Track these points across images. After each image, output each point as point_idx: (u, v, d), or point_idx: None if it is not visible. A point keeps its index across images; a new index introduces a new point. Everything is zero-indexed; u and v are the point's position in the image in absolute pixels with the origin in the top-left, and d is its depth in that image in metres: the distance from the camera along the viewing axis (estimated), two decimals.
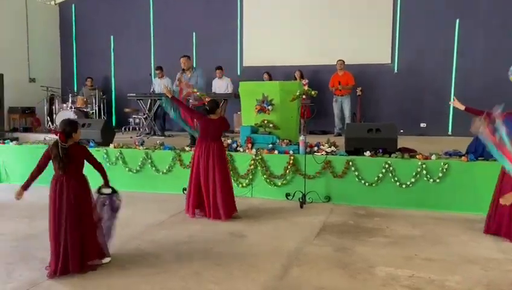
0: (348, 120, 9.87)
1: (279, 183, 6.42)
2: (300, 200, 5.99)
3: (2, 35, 11.58)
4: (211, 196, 5.24)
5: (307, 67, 10.88)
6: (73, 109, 10.80)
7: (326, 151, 6.36)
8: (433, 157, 5.88)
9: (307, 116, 10.48)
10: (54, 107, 11.61)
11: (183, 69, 7.81)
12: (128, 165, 7.16)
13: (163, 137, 9.83)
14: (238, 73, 11.71)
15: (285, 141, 6.73)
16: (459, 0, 10.11)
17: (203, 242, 4.49)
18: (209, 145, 5.25)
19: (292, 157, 6.34)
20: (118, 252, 4.05)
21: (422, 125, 10.44)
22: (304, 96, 6.22)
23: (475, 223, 5.16)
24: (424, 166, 5.77)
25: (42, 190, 3.84)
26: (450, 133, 10.21)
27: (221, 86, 10.66)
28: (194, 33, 11.99)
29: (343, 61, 10.17)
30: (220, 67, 10.76)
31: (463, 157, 5.79)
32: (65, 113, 10.60)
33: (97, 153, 7.24)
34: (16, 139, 8.91)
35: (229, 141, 7.02)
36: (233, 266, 3.84)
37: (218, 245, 4.41)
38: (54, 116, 11.19)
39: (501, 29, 9.87)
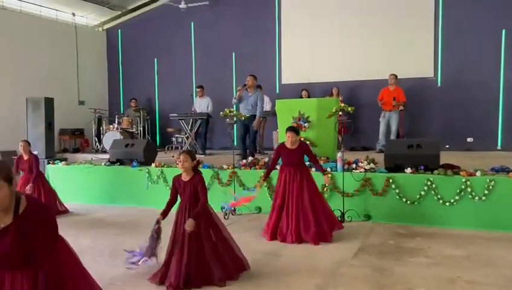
0: (393, 136, 9.61)
1: None
2: (339, 219, 5.87)
3: (53, 60, 12.27)
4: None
5: (344, 83, 10.80)
6: (119, 130, 11.20)
7: (365, 169, 6.24)
8: (478, 173, 5.63)
9: (344, 133, 10.38)
10: (101, 128, 12.10)
11: (245, 86, 8.44)
12: (169, 184, 7.29)
13: (204, 155, 9.98)
14: (277, 91, 11.77)
15: (322, 158, 6.66)
16: (505, 9, 9.74)
17: None
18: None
19: (330, 175, 6.25)
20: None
21: (469, 140, 10.03)
22: (340, 113, 6.13)
23: None
24: (468, 183, 5.53)
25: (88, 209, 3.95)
26: (499, 147, 9.75)
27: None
28: (233, 53, 12.21)
29: (396, 76, 9.82)
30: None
31: (511, 174, 5.51)
32: (112, 134, 11.01)
33: (139, 172, 7.52)
34: (65, 159, 9.34)
35: (266, 159, 7.04)
36: (269, 286, 3.81)
37: (253, 265, 4.36)
38: (102, 136, 11.65)
39: None
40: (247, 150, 8.47)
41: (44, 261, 2.08)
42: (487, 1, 9.89)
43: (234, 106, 8.71)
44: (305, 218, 5.12)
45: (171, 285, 3.73)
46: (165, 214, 4.01)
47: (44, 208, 2.21)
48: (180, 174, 4.04)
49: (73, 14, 13.02)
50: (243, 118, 7.71)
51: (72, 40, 12.95)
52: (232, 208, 6.31)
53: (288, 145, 5.29)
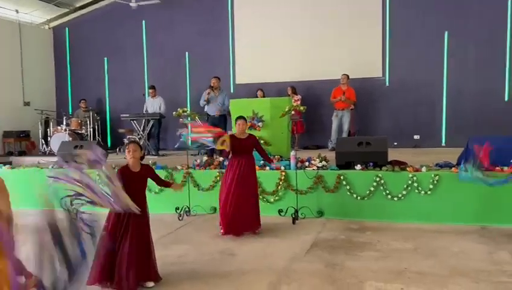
0: (345, 134, 9.87)
1: (272, 200, 6.41)
2: (293, 216, 5.96)
3: None
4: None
5: (300, 83, 10.96)
6: (67, 132, 10.81)
7: (317, 166, 6.36)
8: (424, 169, 5.88)
9: (300, 132, 10.56)
10: (48, 130, 11.63)
11: (212, 87, 9.18)
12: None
13: (157, 156, 9.83)
14: (232, 90, 11.76)
15: (276, 156, 6.73)
16: (448, 13, 10.22)
17: (192, 262, 4.46)
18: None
19: (283, 173, 6.34)
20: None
21: (416, 137, 10.45)
22: (293, 112, 6.23)
23: (468, 235, 5.15)
24: (414, 178, 5.77)
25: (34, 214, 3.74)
26: (443, 144, 10.23)
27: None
28: (186, 53, 12.09)
29: (347, 76, 10.08)
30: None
31: (453, 169, 5.79)
32: (60, 135, 10.61)
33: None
34: (10, 163, 8.90)
35: (221, 159, 7.03)
36: (222, 285, 3.80)
37: (207, 265, 4.37)
38: (49, 139, 11.20)
39: (490, 39, 9.96)
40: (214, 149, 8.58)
41: None
42: (431, 4, 10.33)
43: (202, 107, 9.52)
44: (245, 209, 5.29)
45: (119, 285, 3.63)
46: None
47: None
48: (126, 165, 3.90)
49: (17, 11, 12.41)
50: (196, 117, 7.70)
51: (16, 38, 12.35)
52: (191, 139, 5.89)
53: (238, 134, 5.46)
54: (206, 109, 9.57)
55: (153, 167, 7.17)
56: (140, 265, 3.74)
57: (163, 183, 4.42)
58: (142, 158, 4.00)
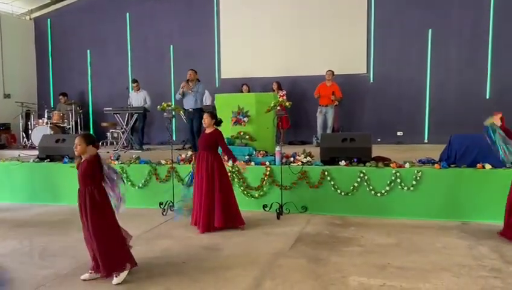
0: (330, 130, 9.92)
1: (256, 195, 6.40)
2: (277, 211, 5.97)
3: None
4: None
5: (285, 78, 10.98)
6: (49, 125, 10.65)
7: (302, 162, 6.37)
8: (407, 165, 5.94)
9: (286, 127, 10.58)
10: (29, 123, 11.43)
11: (188, 80, 8.95)
12: None
13: (141, 151, 9.74)
14: (217, 85, 11.71)
15: (261, 152, 6.73)
16: (431, 10, 10.33)
17: (177, 257, 4.43)
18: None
19: (268, 169, 6.34)
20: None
21: (399, 133, 10.58)
22: (278, 108, 6.22)
23: (449, 230, 5.22)
24: (398, 174, 5.83)
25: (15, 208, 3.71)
26: (426, 141, 10.36)
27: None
28: (171, 46, 11.99)
29: (333, 72, 10.13)
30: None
31: (436, 165, 5.86)
32: (41, 128, 10.44)
33: (71, 169, 7.17)
34: None
35: None
36: (206, 280, 3.79)
37: (191, 259, 4.35)
38: (30, 132, 11.02)
39: (472, 38, 10.11)
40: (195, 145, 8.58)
41: None
42: (415, 2, 10.44)
43: (178, 100, 9.24)
44: (209, 205, 5.24)
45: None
46: None
47: None
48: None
49: None
50: (181, 111, 7.70)
51: None
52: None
53: (206, 130, 5.48)
54: (183, 103, 9.28)
55: (137, 161, 7.14)
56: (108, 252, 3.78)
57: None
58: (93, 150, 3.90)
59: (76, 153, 3.86)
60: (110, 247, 3.78)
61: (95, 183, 3.79)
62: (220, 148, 5.49)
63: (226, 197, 5.34)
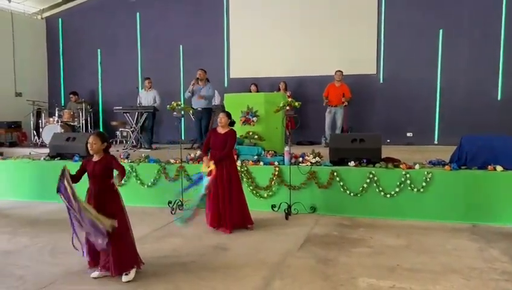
0: (339, 131, 9.88)
1: (265, 195, 6.40)
2: (286, 211, 5.96)
3: None
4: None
5: (294, 78, 10.96)
6: (60, 123, 10.72)
7: (311, 162, 6.36)
8: (417, 166, 5.90)
9: (291, 128, 10.54)
10: (40, 121, 11.52)
11: (198, 79, 8.93)
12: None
13: (150, 150, 9.77)
14: (226, 85, 11.73)
15: (270, 152, 6.74)
16: (442, 10, 10.25)
17: (186, 256, 4.45)
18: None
19: (277, 169, 6.34)
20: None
21: (409, 134, 10.50)
22: (287, 108, 6.22)
23: (459, 232, 5.19)
24: (407, 175, 5.79)
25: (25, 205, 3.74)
26: (436, 142, 10.28)
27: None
28: (181, 46, 12.02)
29: (342, 72, 10.05)
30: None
31: (446, 167, 5.82)
32: (52, 127, 10.52)
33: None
34: (1, 154, 8.81)
35: None
36: (215, 279, 3.80)
37: (201, 259, 4.36)
38: (41, 130, 11.10)
39: (484, 38, 10.01)
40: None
41: None
42: (426, 1, 10.36)
43: (187, 98, 9.25)
44: (225, 206, 5.26)
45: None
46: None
47: None
48: (92, 156, 3.93)
49: (9, 1, 12.24)
50: (190, 111, 7.75)
51: (8, 28, 12.19)
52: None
53: (219, 129, 5.41)
54: (192, 102, 9.31)
55: (146, 160, 7.16)
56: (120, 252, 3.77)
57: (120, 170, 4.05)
58: (107, 148, 3.95)
59: (91, 151, 3.84)
60: (123, 246, 3.81)
61: (110, 183, 3.82)
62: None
63: (242, 196, 5.43)
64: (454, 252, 4.49)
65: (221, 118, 5.38)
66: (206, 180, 4.98)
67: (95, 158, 3.88)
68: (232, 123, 5.51)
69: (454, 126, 9.74)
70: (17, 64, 12.38)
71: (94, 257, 3.90)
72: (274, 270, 4.01)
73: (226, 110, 7.23)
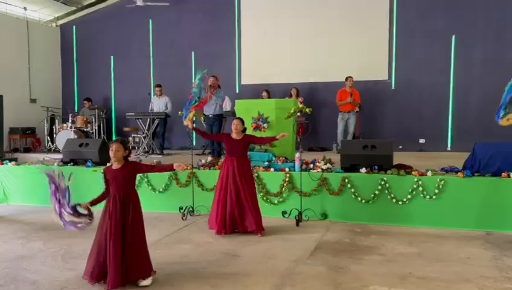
0: (351, 137, 9.85)
1: (276, 201, 6.39)
2: (297, 218, 5.94)
3: (3, 56, 11.72)
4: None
5: (305, 84, 10.96)
6: (73, 129, 10.85)
7: (322, 169, 6.33)
8: (429, 173, 5.84)
9: (302, 134, 10.53)
10: (54, 127, 11.68)
11: (210, 86, 8.69)
12: None
13: (161, 156, 9.84)
14: (237, 91, 11.77)
15: (281, 158, 6.73)
16: (455, 15, 10.19)
17: (196, 262, 4.45)
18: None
19: (288, 175, 6.33)
20: None
21: (422, 141, 10.42)
22: (298, 114, 6.21)
23: (473, 240, 5.11)
24: (419, 182, 5.74)
25: (39, 211, 3.79)
26: (449, 148, 10.18)
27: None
28: (192, 52, 12.11)
29: (353, 78, 10.03)
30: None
31: (459, 174, 5.75)
32: (65, 133, 10.66)
33: (94, 173, 7.31)
34: (15, 159, 8.94)
35: None
36: (225, 286, 3.79)
37: (211, 265, 4.36)
38: (54, 136, 11.25)
39: (497, 44, 9.92)
40: (214, 150, 8.76)
41: None
42: (439, 6, 10.31)
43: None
44: (242, 211, 5.36)
45: (112, 286, 3.63)
46: (93, 203, 3.85)
47: None
48: (111, 165, 3.94)
49: (25, 9, 12.48)
50: (202, 117, 7.79)
51: (24, 35, 12.42)
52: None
53: (233, 135, 5.46)
54: (203, 108, 9.33)
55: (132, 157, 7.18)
56: (132, 261, 3.75)
57: (157, 169, 4.30)
58: (128, 155, 3.94)
59: (114, 158, 3.82)
60: (143, 254, 3.84)
61: (135, 190, 3.86)
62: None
63: (257, 202, 5.53)
64: (468, 260, 4.43)
65: (237, 124, 5.43)
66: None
67: (116, 166, 3.86)
68: (244, 130, 5.55)
69: (468, 132, 9.65)
70: (32, 71, 12.60)
71: (98, 276, 3.77)
72: (284, 277, 4.00)
73: (238, 116, 7.30)
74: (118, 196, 3.79)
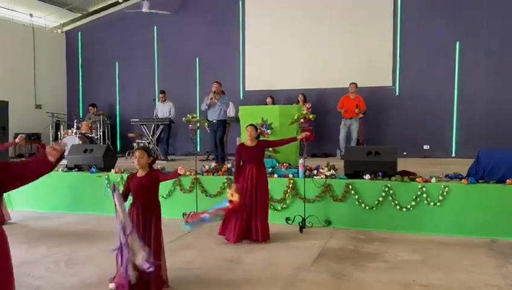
0: (354, 143, 9.83)
1: (279, 208, 6.39)
2: (300, 224, 5.94)
3: (9, 62, 11.83)
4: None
5: (309, 90, 10.96)
6: (78, 135, 10.90)
7: (325, 175, 6.33)
8: (433, 180, 5.82)
9: (309, 140, 10.52)
10: (59, 133, 11.73)
11: (214, 92, 8.76)
12: None
13: (166, 161, 9.86)
14: (241, 97, 11.80)
15: (284, 164, 6.73)
16: (459, 22, 10.18)
17: (200, 269, 4.46)
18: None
19: (292, 181, 6.33)
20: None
21: (426, 147, 10.38)
22: (302, 120, 6.22)
23: (477, 248, 5.09)
24: (424, 189, 5.72)
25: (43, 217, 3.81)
26: (453, 155, 10.14)
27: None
28: (197, 58, 12.16)
29: (356, 85, 10.05)
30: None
31: (463, 180, 5.73)
32: (70, 138, 10.70)
33: (98, 178, 7.35)
34: None
35: (229, 165, 7.03)
36: None
37: (214, 272, 4.37)
38: (59, 141, 11.29)
39: (501, 50, 9.90)
40: (218, 156, 8.80)
41: None
42: (443, 13, 10.30)
43: (203, 111, 9.11)
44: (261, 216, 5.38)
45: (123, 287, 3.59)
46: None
47: None
48: (136, 173, 3.94)
49: (31, 15, 12.61)
50: (206, 123, 7.83)
51: (29, 41, 12.52)
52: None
53: (247, 143, 5.46)
54: (208, 114, 9.21)
55: (162, 171, 7.22)
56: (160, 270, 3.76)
57: (169, 177, 4.21)
58: (153, 162, 3.97)
59: (138, 166, 3.82)
60: (164, 260, 3.88)
61: (157, 198, 3.90)
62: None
63: (267, 212, 5.56)
64: (472, 268, 4.41)
65: (251, 131, 5.42)
66: (225, 205, 4.56)
67: (140, 173, 3.86)
68: (258, 136, 5.58)
69: (472, 139, 9.61)
70: (37, 77, 12.69)
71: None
72: (287, 284, 3.99)
73: (242, 122, 7.33)
74: (141, 205, 3.78)
